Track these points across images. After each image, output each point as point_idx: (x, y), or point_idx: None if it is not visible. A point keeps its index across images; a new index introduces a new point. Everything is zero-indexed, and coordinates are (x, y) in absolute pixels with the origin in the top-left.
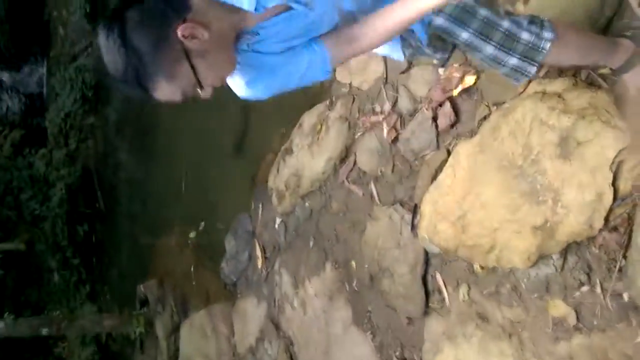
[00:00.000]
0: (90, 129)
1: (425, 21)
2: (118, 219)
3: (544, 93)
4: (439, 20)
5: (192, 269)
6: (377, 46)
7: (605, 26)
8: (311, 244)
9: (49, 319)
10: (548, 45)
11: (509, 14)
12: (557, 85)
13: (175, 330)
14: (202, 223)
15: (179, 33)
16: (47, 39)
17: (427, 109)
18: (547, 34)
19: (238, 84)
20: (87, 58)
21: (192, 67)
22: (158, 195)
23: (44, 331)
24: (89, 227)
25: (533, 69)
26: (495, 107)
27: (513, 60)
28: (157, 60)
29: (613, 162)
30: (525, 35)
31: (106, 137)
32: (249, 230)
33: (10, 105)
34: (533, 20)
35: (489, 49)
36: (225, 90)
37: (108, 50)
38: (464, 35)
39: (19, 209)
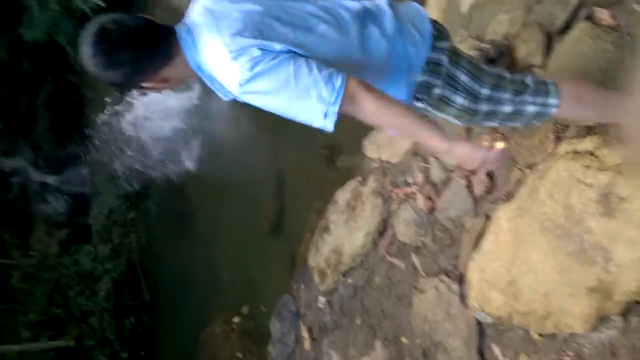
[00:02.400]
0: (132, 223)
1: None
2: (163, 309)
3: (575, 152)
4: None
5: (238, 355)
6: (378, 125)
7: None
8: (358, 321)
9: None
10: (553, 111)
11: (513, 82)
12: (587, 143)
13: None
14: (245, 307)
15: (143, 84)
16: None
17: (460, 177)
18: (552, 100)
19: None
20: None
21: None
22: (200, 283)
23: None
24: (136, 319)
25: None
26: (528, 170)
27: (517, 124)
28: (120, 84)
29: None
30: (530, 109)
31: (148, 230)
32: (293, 311)
33: (56, 206)
34: (538, 89)
35: (494, 123)
36: (258, 175)
37: (87, 54)
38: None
39: (67, 306)
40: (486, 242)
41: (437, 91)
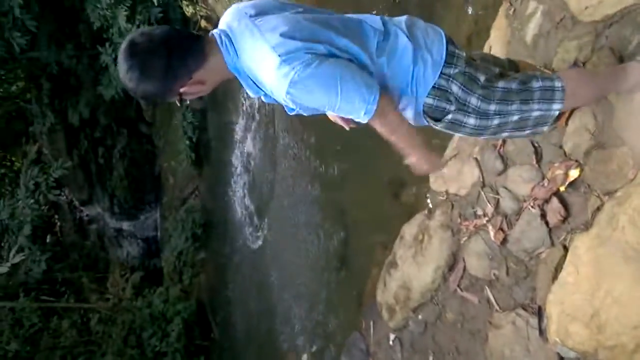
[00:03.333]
0: (201, 264)
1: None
2: (233, 349)
3: None
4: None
5: None
6: (386, 136)
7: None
8: (431, 358)
9: None
10: (557, 113)
11: (519, 92)
12: None
13: None
14: (315, 346)
15: (181, 89)
16: (159, 187)
17: (533, 207)
18: (556, 106)
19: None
20: (194, 200)
21: (181, 100)
22: (269, 322)
23: None
24: (205, 359)
25: (544, 129)
26: (607, 197)
27: (525, 133)
28: (158, 94)
29: None
30: (535, 113)
31: (216, 270)
32: (362, 349)
33: (130, 251)
34: (544, 94)
35: (504, 135)
36: (324, 212)
37: (123, 71)
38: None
39: (141, 347)
40: (565, 273)
41: (449, 117)
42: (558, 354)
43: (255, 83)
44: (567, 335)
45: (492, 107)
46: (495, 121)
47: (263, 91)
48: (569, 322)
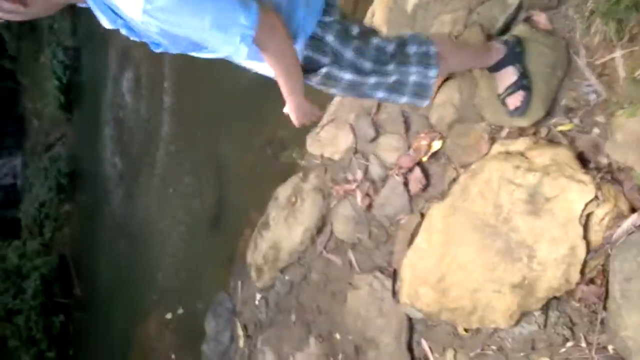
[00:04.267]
0: (66, 217)
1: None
2: (96, 307)
3: (507, 153)
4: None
5: (172, 352)
6: (273, 62)
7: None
8: (293, 318)
9: None
10: (433, 81)
11: (395, 55)
12: (519, 144)
13: None
14: (181, 304)
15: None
16: (21, 130)
17: (397, 175)
18: (432, 71)
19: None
20: (61, 147)
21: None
22: (135, 279)
23: None
24: (66, 317)
25: (425, 102)
26: (462, 169)
27: (404, 99)
28: None
29: (582, 215)
30: (413, 77)
31: (82, 224)
32: (229, 308)
33: None
34: (421, 58)
35: (380, 95)
36: (199, 167)
37: None
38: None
39: None
40: (420, 239)
41: (323, 70)
42: (407, 315)
43: (110, 8)
44: (416, 298)
45: (368, 65)
46: (372, 80)
47: (122, 19)
48: (419, 285)
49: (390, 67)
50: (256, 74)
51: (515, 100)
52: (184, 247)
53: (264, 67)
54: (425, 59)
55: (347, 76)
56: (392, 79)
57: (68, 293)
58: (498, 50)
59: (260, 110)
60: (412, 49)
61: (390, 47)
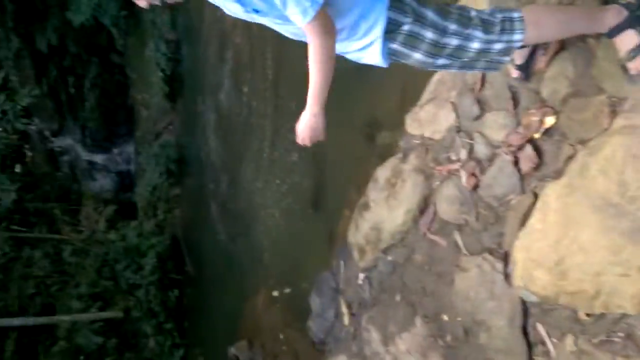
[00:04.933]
0: (176, 200)
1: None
2: (206, 283)
3: (632, 127)
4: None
5: (279, 328)
6: (316, 57)
7: None
8: (398, 298)
9: None
10: (518, 45)
11: (480, 20)
12: None
13: None
14: (286, 282)
15: None
16: (132, 120)
17: (506, 154)
18: (517, 36)
19: None
20: (169, 134)
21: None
22: (242, 258)
23: None
24: (180, 293)
25: (506, 59)
26: (580, 146)
27: (481, 65)
28: None
29: None
30: (497, 46)
31: (191, 207)
32: (333, 287)
33: (103, 184)
34: (504, 26)
35: (455, 67)
36: (299, 151)
37: None
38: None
39: (116, 279)
40: (533, 220)
41: (405, 28)
42: (521, 298)
43: None
44: (530, 281)
45: (451, 26)
46: (454, 41)
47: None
48: (534, 268)
49: (476, 32)
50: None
51: (638, 63)
52: (287, 228)
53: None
54: (508, 24)
55: (429, 35)
56: (476, 45)
57: (180, 270)
58: (616, 13)
59: (357, 92)
60: (496, 15)
61: (472, 12)
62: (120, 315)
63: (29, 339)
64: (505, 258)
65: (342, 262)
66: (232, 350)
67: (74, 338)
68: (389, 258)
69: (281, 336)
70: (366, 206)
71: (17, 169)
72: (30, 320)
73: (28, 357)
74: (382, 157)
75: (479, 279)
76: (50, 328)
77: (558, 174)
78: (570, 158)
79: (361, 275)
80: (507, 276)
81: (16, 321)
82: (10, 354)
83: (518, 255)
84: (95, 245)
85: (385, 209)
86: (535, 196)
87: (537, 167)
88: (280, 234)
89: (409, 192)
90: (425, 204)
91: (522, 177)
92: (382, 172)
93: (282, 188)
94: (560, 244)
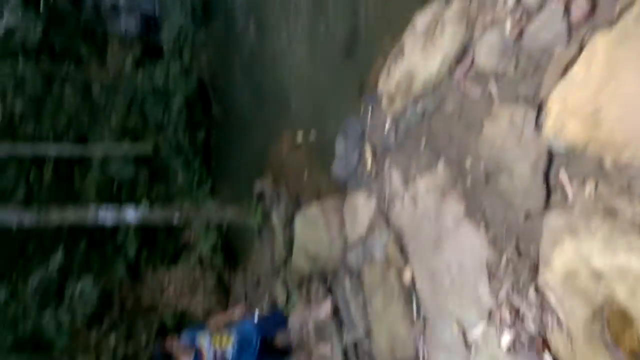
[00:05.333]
0: (202, 44)
1: None
2: (232, 125)
3: None
4: None
5: (303, 169)
6: None
7: None
8: (422, 144)
9: (178, 208)
10: None
11: None
12: None
13: (289, 221)
14: (313, 126)
15: None
16: None
17: (557, 1)
18: None
19: None
20: None
21: None
22: (270, 102)
23: (175, 219)
24: (206, 133)
25: None
26: None
27: None
28: None
29: None
30: None
31: (218, 51)
32: (358, 132)
33: (128, 25)
34: None
35: None
36: None
37: None
38: None
39: (144, 117)
40: (575, 70)
41: None
42: (548, 146)
43: None
44: (562, 129)
45: None
46: None
47: None
48: (567, 117)
49: None
50: None
51: None
52: (317, 73)
53: None
54: None
55: None
56: None
57: (207, 113)
58: None
59: None
60: None
61: None
62: (150, 150)
63: (64, 168)
64: (539, 108)
65: (370, 109)
66: (258, 185)
67: (107, 168)
68: (419, 106)
69: (305, 176)
70: (401, 53)
71: (41, 8)
72: (65, 149)
73: (65, 183)
74: (422, 2)
75: (508, 127)
76: (84, 160)
77: (611, 23)
78: (627, 6)
79: (388, 122)
80: (537, 125)
81: (52, 149)
82: (49, 179)
83: (553, 105)
84: (124, 83)
85: (420, 57)
86: (581, 47)
87: (589, 15)
88: (309, 80)
89: (448, 40)
90: (463, 53)
91: (571, 26)
92: (422, 18)
93: (314, 32)
94: (600, 94)
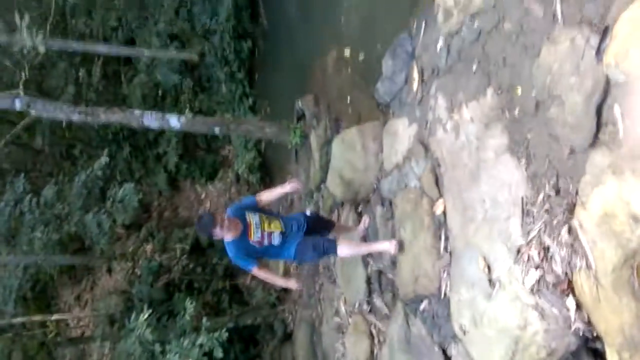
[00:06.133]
0: None
1: None
2: (279, 37)
3: None
4: None
5: (347, 89)
6: None
7: None
8: (474, 67)
9: (220, 119)
10: None
11: None
12: None
13: (327, 143)
14: (360, 44)
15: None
16: None
17: None
18: None
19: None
20: None
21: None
22: (319, 13)
23: (216, 129)
24: (252, 44)
25: None
26: None
27: None
28: None
29: None
30: None
31: None
32: (408, 51)
33: None
34: None
35: None
36: None
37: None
38: None
39: (192, 22)
40: None
41: None
42: (607, 76)
43: None
44: (625, 57)
45: None
46: None
47: None
48: (634, 44)
49: None
50: None
51: None
52: None
53: None
54: None
55: None
56: None
57: (255, 22)
58: None
59: None
60: None
61: None
62: (196, 58)
63: (112, 70)
64: (604, 32)
65: (423, 25)
66: (299, 103)
67: (153, 72)
68: (476, 24)
69: (348, 97)
70: None
71: None
72: (113, 49)
73: (112, 85)
74: None
75: (568, 52)
76: (132, 63)
77: None
78: None
79: (441, 41)
80: (599, 52)
81: (101, 48)
82: (98, 79)
83: (621, 28)
84: None
85: None
86: None
87: None
88: None
89: None
90: None
91: None
92: None
93: None
94: None
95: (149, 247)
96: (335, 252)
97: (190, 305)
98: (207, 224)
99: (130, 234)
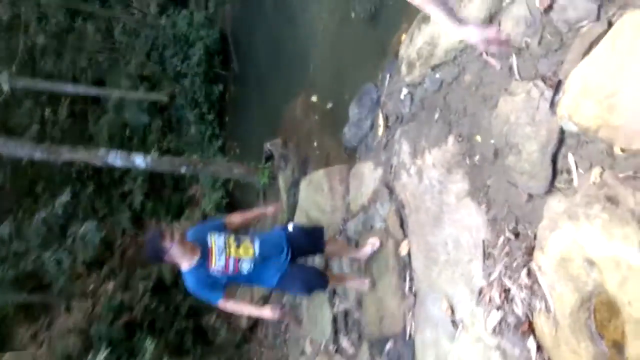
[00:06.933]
0: None
1: None
2: (250, 81)
3: None
4: None
5: (315, 133)
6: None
7: None
8: (436, 116)
9: (187, 159)
10: None
11: None
12: None
13: (295, 184)
14: (328, 91)
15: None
16: None
17: None
18: None
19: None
20: None
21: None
22: (289, 61)
23: (183, 169)
24: (223, 87)
25: None
26: None
27: None
28: None
29: None
30: None
31: (242, 4)
32: (373, 99)
33: None
34: None
35: None
36: None
37: None
38: None
39: (163, 65)
40: (599, 49)
41: None
42: (560, 127)
43: None
44: (576, 110)
45: None
46: None
47: None
48: (583, 98)
49: None
50: None
51: None
52: (339, 35)
53: None
54: None
55: None
56: None
57: (226, 67)
58: None
59: None
60: None
61: None
62: (166, 99)
63: (80, 109)
64: (557, 86)
65: (388, 76)
66: (267, 145)
67: (121, 112)
68: (437, 75)
69: (315, 140)
70: (426, 19)
71: None
72: (81, 89)
73: (79, 124)
74: None
75: (524, 104)
76: (100, 103)
77: None
78: None
79: (404, 91)
80: (553, 104)
81: (69, 88)
82: (64, 118)
83: (572, 84)
84: (146, 28)
85: None
86: (610, 25)
87: None
88: (331, 41)
89: (476, 8)
90: (490, 22)
91: (602, 3)
92: None
93: None
94: (619, 76)
95: (110, 286)
96: (325, 289)
97: (150, 345)
98: (154, 239)
99: (91, 272)
